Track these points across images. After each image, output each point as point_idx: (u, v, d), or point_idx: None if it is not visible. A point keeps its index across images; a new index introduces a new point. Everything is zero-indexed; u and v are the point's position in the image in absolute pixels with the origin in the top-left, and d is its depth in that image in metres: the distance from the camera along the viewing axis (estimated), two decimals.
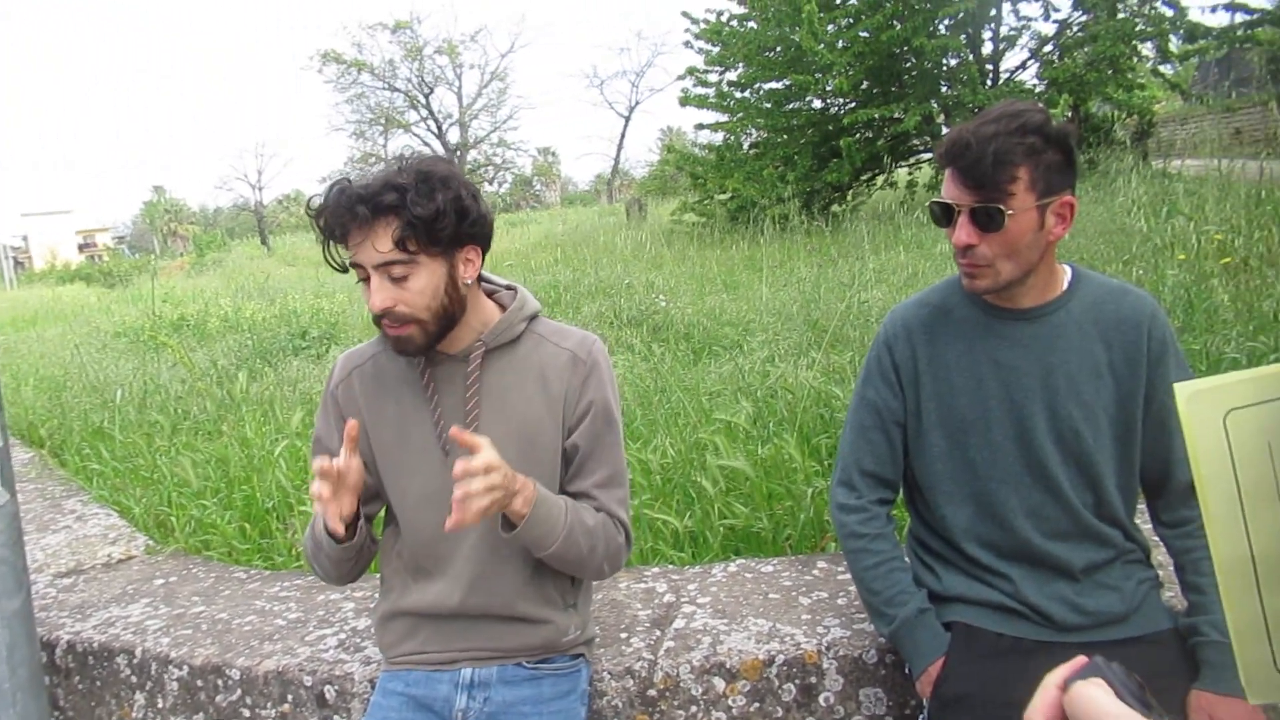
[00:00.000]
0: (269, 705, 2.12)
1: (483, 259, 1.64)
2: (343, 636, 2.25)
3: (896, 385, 1.81)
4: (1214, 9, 13.34)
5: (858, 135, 14.33)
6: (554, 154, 60.31)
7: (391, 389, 1.71)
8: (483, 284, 1.73)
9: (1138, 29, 13.53)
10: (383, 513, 1.80)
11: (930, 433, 1.77)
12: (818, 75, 14.02)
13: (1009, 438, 1.70)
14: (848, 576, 2.18)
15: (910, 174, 15.47)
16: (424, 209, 1.49)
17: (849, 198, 15.06)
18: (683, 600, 2.22)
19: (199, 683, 2.20)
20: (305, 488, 3.53)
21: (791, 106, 15.53)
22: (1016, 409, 1.69)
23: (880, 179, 15.82)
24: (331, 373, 1.78)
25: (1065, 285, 1.72)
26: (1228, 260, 4.60)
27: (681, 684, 1.91)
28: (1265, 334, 3.45)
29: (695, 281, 8.25)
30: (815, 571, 2.29)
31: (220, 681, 2.17)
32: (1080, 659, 0.69)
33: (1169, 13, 13.58)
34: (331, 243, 1.56)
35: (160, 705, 2.27)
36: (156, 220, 70.47)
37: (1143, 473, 1.72)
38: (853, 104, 14.73)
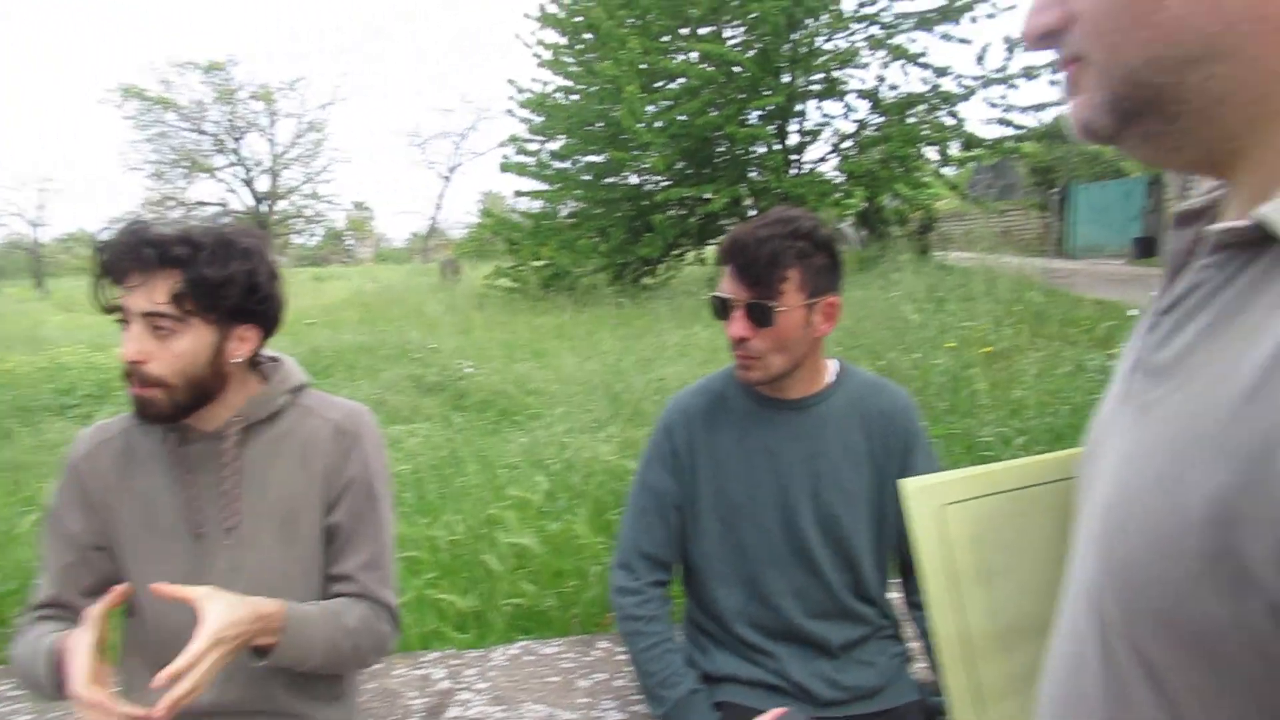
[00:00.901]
0: None
1: (261, 343, 1.55)
2: None
3: (675, 470, 1.85)
4: (989, 122, 15.02)
5: (671, 212, 14.93)
6: (369, 209, 59.01)
7: (141, 467, 1.57)
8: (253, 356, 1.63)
9: (924, 134, 14.94)
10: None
11: (705, 517, 1.82)
12: (635, 152, 14.55)
13: (776, 522, 1.77)
14: (627, 657, 2.19)
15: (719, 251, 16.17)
16: (213, 271, 1.40)
17: (660, 272, 15.57)
18: (459, 686, 2.15)
19: None
20: None
21: (609, 180, 16.00)
22: (783, 494, 1.77)
23: (690, 255, 16.49)
24: (74, 445, 1.62)
25: (831, 378, 1.83)
26: (988, 350, 5.07)
27: None
28: (1015, 419, 3.80)
29: (504, 348, 8.21)
30: (596, 652, 2.28)
31: None
32: (778, 710, 0.72)
33: (950, 122, 15.12)
34: (105, 281, 1.44)
35: None
36: None
37: (895, 555, 1.84)
38: (667, 182, 15.37)
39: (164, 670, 1.23)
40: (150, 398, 1.45)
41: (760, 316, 1.67)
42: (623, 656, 2.22)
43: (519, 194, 17.42)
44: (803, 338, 1.71)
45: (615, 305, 10.08)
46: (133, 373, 1.44)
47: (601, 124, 15.48)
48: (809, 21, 14.95)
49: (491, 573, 2.78)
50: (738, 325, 1.69)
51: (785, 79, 15.09)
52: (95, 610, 1.35)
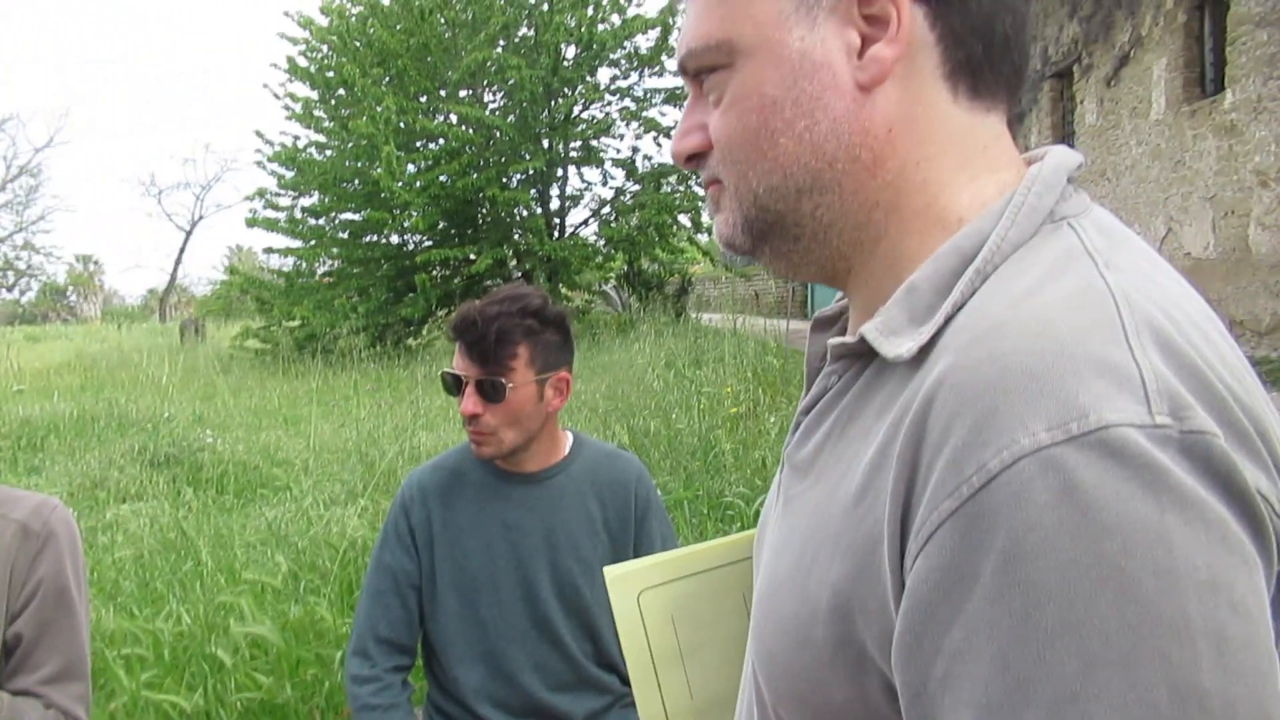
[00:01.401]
0: None
1: None
2: None
3: (412, 549, 1.82)
4: None
5: (434, 273, 14.74)
6: (96, 263, 53.70)
7: None
8: None
9: (677, 202, 15.80)
10: None
11: (444, 595, 1.80)
12: (395, 212, 14.30)
13: (516, 596, 1.78)
14: None
15: None
16: None
17: (423, 334, 15.30)
18: None
19: None
20: None
21: (368, 239, 15.61)
22: (523, 567, 1.79)
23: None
24: None
25: (566, 450, 1.88)
26: (735, 410, 5.38)
27: None
28: (758, 478, 4.04)
29: (251, 415, 7.71)
30: None
31: None
32: None
33: (700, 191, 16.10)
34: None
35: None
36: None
37: None
38: (429, 243, 15.19)
39: None
40: None
41: (491, 393, 1.69)
42: None
43: (269, 250, 16.61)
44: (534, 412, 1.75)
45: (374, 369, 9.75)
46: None
47: (358, 181, 15.13)
48: (566, 90, 15.49)
49: (222, 666, 2.58)
50: (469, 401, 1.71)
51: (545, 144, 15.48)
52: None
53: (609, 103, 16.32)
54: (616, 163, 16.47)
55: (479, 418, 1.71)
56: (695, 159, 0.63)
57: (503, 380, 1.68)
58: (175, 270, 42.81)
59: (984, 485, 0.43)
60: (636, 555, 1.86)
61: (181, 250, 41.73)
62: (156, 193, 52.15)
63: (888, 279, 0.58)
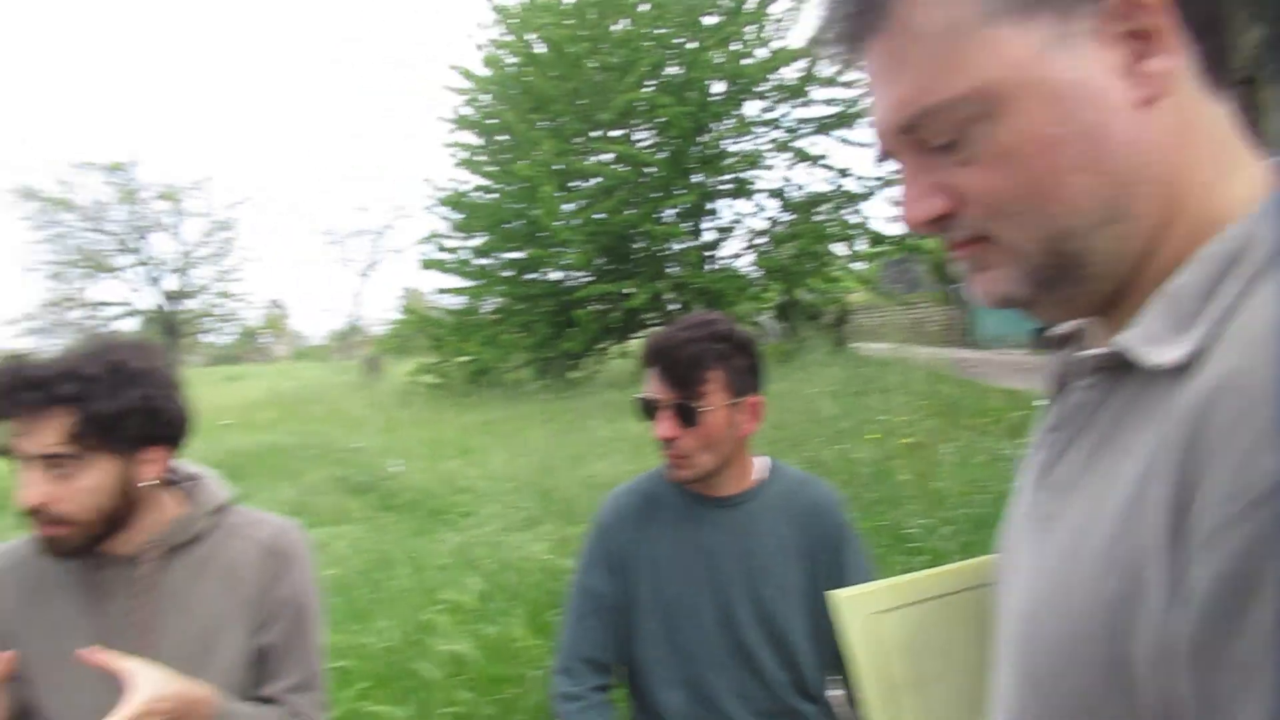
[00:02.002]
0: None
1: (169, 458, 1.51)
2: None
3: (611, 571, 1.86)
4: (892, 219, 15.83)
5: (592, 307, 15.15)
6: (284, 307, 58.03)
7: (49, 596, 1.50)
8: (166, 473, 1.59)
9: (831, 231, 15.61)
10: None
11: (644, 618, 1.84)
12: (555, 249, 14.81)
13: (714, 621, 1.80)
14: None
15: (642, 345, 16.42)
16: (107, 405, 1.33)
17: (584, 365, 15.70)
18: None
19: None
20: None
21: (530, 276, 16.21)
22: (720, 592, 1.80)
23: (614, 349, 16.69)
24: None
25: (762, 475, 1.89)
26: (908, 440, 5.24)
27: None
28: (939, 509, 3.93)
29: (430, 446, 8.11)
30: None
31: None
32: None
33: (855, 219, 15.87)
34: None
35: None
36: None
37: (834, 652, 1.87)
38: (588, 278, 15.63)
39: None
40: (60, 536, 1.38)
41: (686, 416, 1.73)
42: None
43: (441, 291, 17.48)
44: (728, 436, 1.77)
45: (542, 401, 10.08)
46: (37, 514, 1.39)
47: (520, 222, 15.76)
48: (715, 125, 15.64)
49: (427, 681, 2.73)
50: (665, 425, 1.75)
51: (696, 179, 15.67)
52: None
53: (758, 135, 16.37)
54: (769, 193, 16.46)
55: (675, 441, 1.75)
56: (937, 223, 0.61)
57: (696, 404, 1.72)
58: (355, 311, 45.68)
59: (1274, 492, 0.42)
60: (834, 584, 1.85)
61: (359, 293, 44.52)
62: (336, 240, 55.90)
63: (1147, 289, 0.57)
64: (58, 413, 1.33)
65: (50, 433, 1.33)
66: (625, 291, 14.89)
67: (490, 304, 16.88)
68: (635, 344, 16.44)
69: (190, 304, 40.18)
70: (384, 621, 3.18)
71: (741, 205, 25.31)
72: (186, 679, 1.36)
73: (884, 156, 0.64)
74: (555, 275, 16.29)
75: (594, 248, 14.88)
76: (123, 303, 38.52)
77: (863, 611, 0.86)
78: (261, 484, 6.79)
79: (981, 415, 6.00)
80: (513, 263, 16.34)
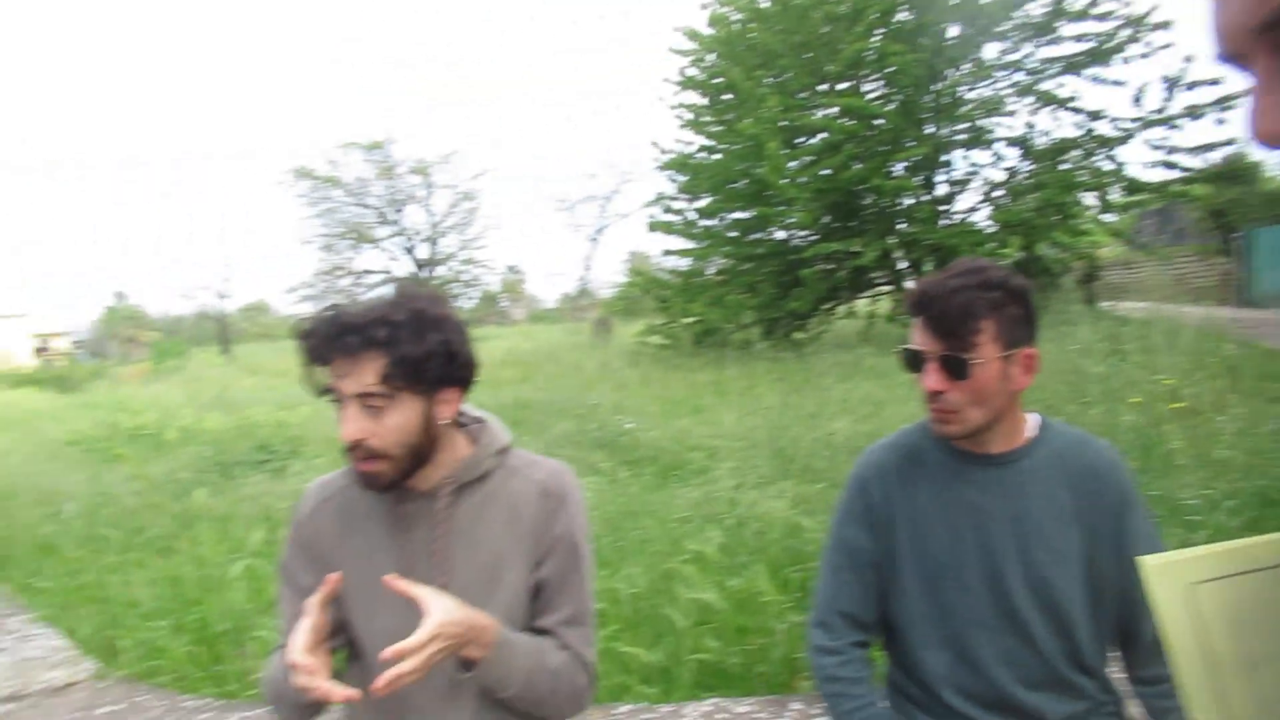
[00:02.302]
0: None
1: (462, 400, 1.64)
2: None
3: (870, 527, 1.82)
4: (1151, 165, 14.31)
5: (819, 267, 14.84)
6: (521, 272, 61.22)
7: (360, 525, 1.68)
8: (458, 415, 1.73)
9: (1080, 180, 14.36)
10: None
11: (905, 576, 1.79)
12: (780, 208, 14.62)
13: (982, 583, 1.72)
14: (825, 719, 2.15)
15: (870, 305, 15.97)
16: (413, 348, 1.48)
17: (811, 326, 15.45)
18: None
19: None
20: (264, 610, 3.43)
21: (755, 236, 16.11)
22: (989, 554, 1.72)
23: (841, 309, 16.31)
24: (300, 502, 1.75)
25: (1033, 432, 1.78)
26: (1178, 405, 4.77)
27: None
28: (1220, 480, 3.55)
29: (661, 404, 8.30)
30: (790, 713, 2.26)
31: None
32: None
33: (1109, 166, 14.48)
34: (313, 366, 1.55)
35: None
36: (116, 326, 69.77)
37: (1113, 623, 1.74)
38: (814, 237, 15.32)
39: (390, 648, 1.32)
40: (375, 470, 1.55)
41: (955, 369, 1.64)
42: (820, 719, 2.19)
43: (667, 252, 17.75)
44: (1000, 390, 1.67)
45: (771, 360, 10.04)
46: (355, 449, 1.55)
47: (745, 181, 15.65)
48: (950, 72, 14.73)
49: (675, 627, 2.81)
50: (932, 378, 1.67)
51: (929, 130, 14.89)
52: (313, 600, 1.45)
53: (997, 79, 15.26)
54: (1009, 141, 15.36)
55: (942, 394, 1.67)
56: None
57: (967, 356, 1.63)
58: (584, 275, 47.46)
59: None
60: (1115, 552, 1.72)
61: (589, 257, 46.17)
62: (567, 206, 58.08)
63: None
64: (372, 355, 1.49)
65: (366, 374, 1.49)
66: (853, 250, 14.45)
67: (716, 265, 16.97)
68: (863, 305, 15.99)
69: (439, 271, 43.32)
70: (631, 569, 3.31)
71: (978, 156, 23.76)
72: (473, 608, 1.47)
73: (1227, 60, 0.56)
74: (781, 235, 16.09)
75: (820, 205, 14.54)
76: (383, 271, 42.10)
77: (1179, 580, 0.76)
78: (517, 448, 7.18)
79: (1269, 380, 5.35)
80: (738, 223, 16.30)
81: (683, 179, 16.95)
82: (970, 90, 15.30)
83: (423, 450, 1.57)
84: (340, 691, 1.38)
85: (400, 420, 1.53)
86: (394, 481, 1.58)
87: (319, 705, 1.58)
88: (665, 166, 17.16)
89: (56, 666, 3.12)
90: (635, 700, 2.55)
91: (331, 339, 1.50)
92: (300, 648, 1.40)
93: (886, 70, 14.69)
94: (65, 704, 2.77)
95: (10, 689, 2.93)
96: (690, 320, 15.41)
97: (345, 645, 1.72)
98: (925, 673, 1.76)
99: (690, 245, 16.70)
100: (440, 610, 1.40)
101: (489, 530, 1.64)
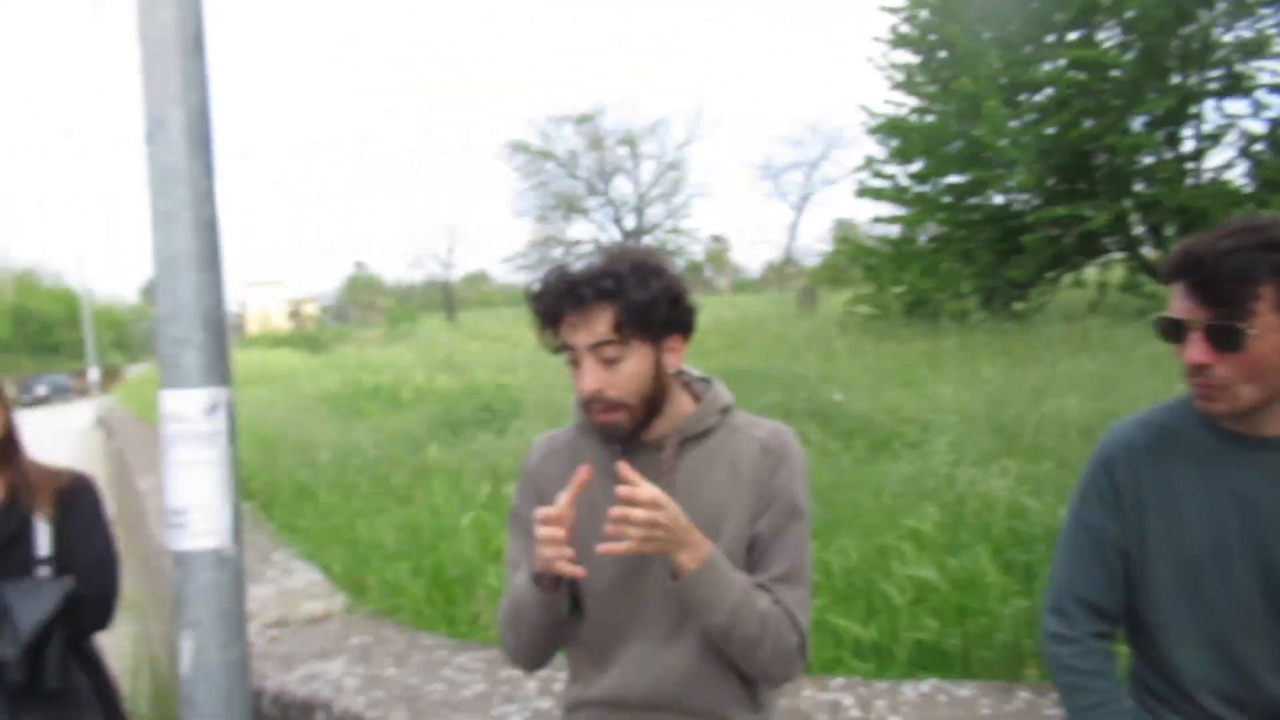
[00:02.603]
0: None
1: (685, 348, 1.68)
2: (526, 715, 2.30)
3: (1117, 510, 1.70)
4: None
5: (1042, 232, 13.85)
6: (725, 241, 61.21)
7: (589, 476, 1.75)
8: (682, 370, 1.76)
9: None
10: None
11: (1156, 565, 1.66)
12: (1000, 171, 13.74)
13: (1253, 579, 1.56)
14: (1056, 712, 2.05)
15: (1101, 274, 14.77)
16: (640, 295, 1.54)
17: (1033, 296, 14.49)
18: (871, 717, 2.15)
19: None
20: (491, 559, 3.67)
21: (972, 201, 15.25)
22: (1260, 548, 1.56)
23: (1067, 278, 15.17)
24: (530, 453, 1.86)
25: None
26: None
27: None
28: None
29: (871, 375, 8.09)
30: (1017, 701, 2.16)
31: None
32: None
33: None
34: (546, 325, 1.63)
35: None
36: (356, 293, 76.25)
37: None
38: (1037, 200, 14.31)
39: (623, 487, 1.44)
40: (614, 420, 1.62)
41: (1225, 340, 1.49)
42: (1052, 711, 2.09)
43: (876, 220, 17.17)
44: (1278, 366, 1.51)
45: (990, 331, 9.53)
46: (594, 401, 1.61)
47: (961, 143, 14.81)
48: (1203, 12, 13.18)
49: (890, 603, 2.76)
50: (1196, 350, 1.52)
51: (1175, 79, 13.43)
52: (576, 483, 1.54)
53: (1261, 17, 13.51)
54: (1274, 88, 13.62)
55: (1208, 368, 1.52)
56: None
57: (1241, 325, 1.47)
58: (789, 244, 46.86)
59: None
60: None
61: (794, 225, 45.48)
62: (772, 174, 57.29)
63: None
64: (602, 306, 1.56)
65: (599, 324, 1.56)
66: (1081, 214, 13.35)
67: (928, 232, 16.25)
68: (1091, 273, 14.81)
69: (645, 240, 44.15)
70: (843, 542, 3.26)
71: (1234, 106, 21.22)
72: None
73: None
74: (999, 199, 15.14)
75: (1044, 167, 13.52)
76: (592, 241, 43.44)
77: None
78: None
79: None
80: (952, 187, 15.48)
81: (893, 143, 16.27)
82: (1226, 32, 13.66)
83: (655, 399, 1.63)
84: (576, 569, 1.51)
85: (634, 368, 1.59)
86: (631, 431, 1.64)
87: (555, 625, 1.68)
88: (875, 130, 16.54)
89: (314, 598, 3.47)
90: (850, 674, 2.53)
91: (562, 295, 1.58)
92: (544, 512, 1.52)
93: (1125, 15, 13.37)
94: (321, 633, 3.07)
95: (276, 615, 3.29)
96: (900, 290, 14.86)
97: (570, 596, 1.82)
98: (1178, 673, 1.63)
99: (901, 212, 16.05)
100: (662, 494, 1.47)
101: (711, 485, 1.68)
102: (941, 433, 4.97)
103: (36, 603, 2.05)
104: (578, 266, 1.59)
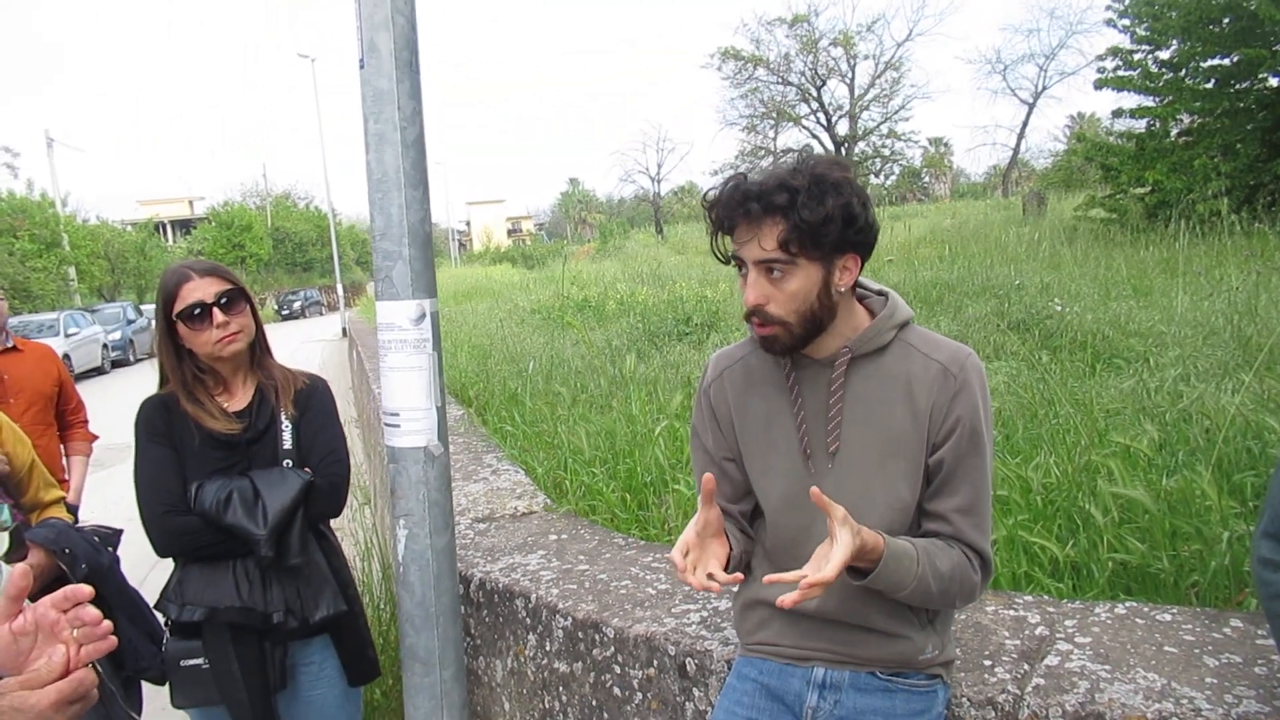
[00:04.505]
0: (637, 666, 2.31)
1: (861, 268, 1.62)
2: (705, 614, 2.37)
3: None
4: None
5: None
6: (946, 144, 57.57)
7: (758, 389, 1.75)
8: (856, 289, 1.71)
9: None
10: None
11: None
12: (1277, 48, 11.96)
13: None
14: (1270, 643, 1.87)
15: None
16: (812, 213, 1.49)
17: None
18: (1058, 636, 2.04)
19: (580, 634, 2.45)
20: (680, 467, 3.77)
21: (1239, 86, 13.42)
22: None
23: None
24: (705, 372, 1.88)
25: None
26: None
27: None
28: None
29: (1098, 285, 7.46)
30: (1227, 630, 1.99)
31: (598, 636, 2.40)
32: None
33: None
34: (719, 234, 1.63)
35: (548, 648, 2.57)
36: (570, 209, 78.74)
37: None
38: None
39: (808, 579, 1.39)
40: (774, 335, 1.61)
41: None
42: (1266, 642, 1.91)
43: (1118, 114, 15.52)
44: None
45: (1244, 235, 8.49)
46: (755, 314, 1.60)
47: (1229, 20, 12.99)
48: None
49: (1091, 523, 2.59)
50: None
51: None
52: (703, 493, 1.55)
53: None
54: None
55: None
56: None
57: None
58: (1018, 145, 43.43)
59: None
60: None
61: (1024, 124, 42.00)
62: (1001, 69, 52.82)
63: None
64: (772, 221, 1.53)
65: (766, 240, 1.54)
66: None
67: (1180, 125, 14.51)
68: None
69: (860, 147, 42.40)
70: (1044, 458, 3.08)
71: None
72: (860, 526, 1.48)
73: None
74: (1275, 82, 13.23)
75: None
76: (804, 149, 42.34)
77: None
78: (921, 319, 7.01)
79: None
80: (1215, 70, 13.66)
81: (1144, 26, 14.50)
82: None
83: (820, 317, 1.60)
84: (713, 583, 1.49)
85: (799, 286, 1.56)
86: (791, 346, 1.63)
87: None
88: (1124, 14, 14.80)
89: (519, 497, 3.70)
90: (1041, 592, 2.41)
91: (734, 206, 1.56)
92: (681, 545, 1.52)
93: None
94: (523, 528, 3.29)
95: (486, 511, 3.55)
96: (1143, 190, 13.45)
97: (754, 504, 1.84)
98: None
99: (1149, 103, 14.40)
100: (846, 544, 1.43)
101: (884, 404, 1.63)
102: (1173, 346, 4.52)
103: (281, 490, 2.33)
104: (755, 177, 1.57)
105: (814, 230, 1.51)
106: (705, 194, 1.65)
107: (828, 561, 1.42)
